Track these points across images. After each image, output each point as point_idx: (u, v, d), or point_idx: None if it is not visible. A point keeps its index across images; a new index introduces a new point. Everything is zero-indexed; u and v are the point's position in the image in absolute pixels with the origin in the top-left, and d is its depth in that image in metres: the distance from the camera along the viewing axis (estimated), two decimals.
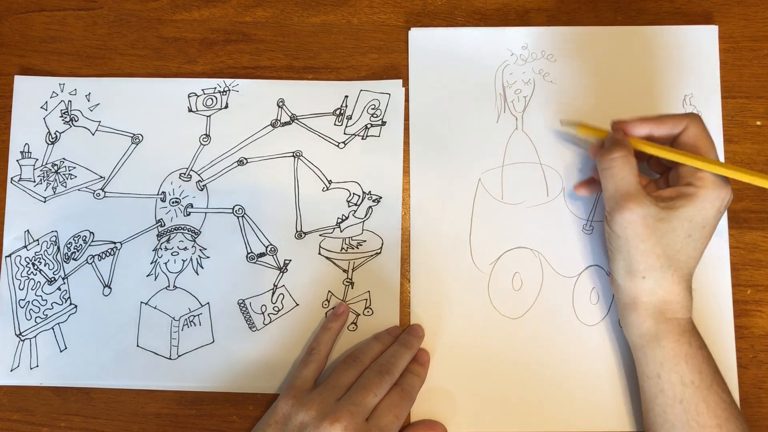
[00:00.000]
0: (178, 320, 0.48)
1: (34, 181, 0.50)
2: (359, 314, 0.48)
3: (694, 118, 0.41)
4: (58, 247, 0.49)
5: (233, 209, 0.49)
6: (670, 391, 0.40)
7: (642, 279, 0.40)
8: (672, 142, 0.42)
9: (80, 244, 0.49)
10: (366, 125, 0.50)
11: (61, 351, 0.48)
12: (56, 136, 0.50)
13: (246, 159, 0.49)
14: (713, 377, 0.40)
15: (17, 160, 0.50)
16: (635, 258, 0.40)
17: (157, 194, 0.49)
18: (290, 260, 0.48)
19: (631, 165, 0.40)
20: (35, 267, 0.49)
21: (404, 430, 0.44)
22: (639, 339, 0.41)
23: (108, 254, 0.49)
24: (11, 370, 0.48)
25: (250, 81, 0.50)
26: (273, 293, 0.48)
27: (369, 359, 0.44)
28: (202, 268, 0.48)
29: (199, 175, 0.49)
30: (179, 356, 0.47)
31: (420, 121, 0.49)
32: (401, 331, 0.47)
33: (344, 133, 0.50)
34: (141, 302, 0.48)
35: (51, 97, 0.51)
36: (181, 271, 0.48)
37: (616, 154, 0.41)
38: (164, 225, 0.49)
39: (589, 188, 0.47)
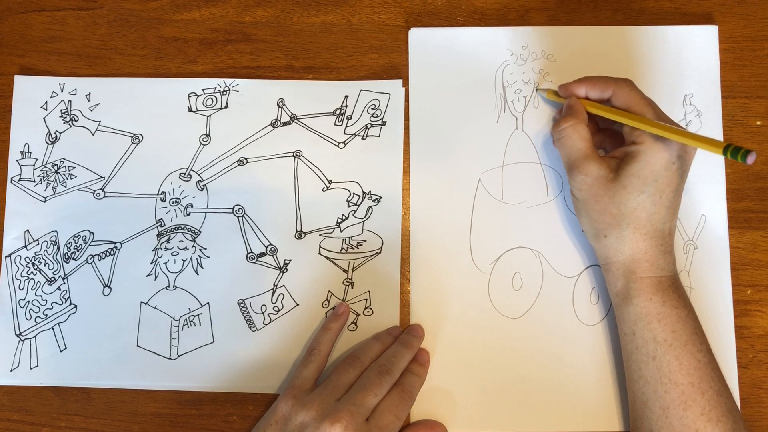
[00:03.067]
0: (178, 320, 0.48)
1: (34, 181, 0.50)
2: (359, 314, 0.48)
3: (622, 83, 0.43)
4: (58, 247, 0.49)
5: (233, 209, 0.49)
6: (643, 348, 0.41)
7: (604, 237, 0.42)
8: (609, 104, 0.44)
9: (80, 244, 0.49)
10: (366, 125, 0.50)
11: (61, 351, 0.48)
12: (56, 136, 0.50)
13: (246, 159, 0.49)
14: (689, 337, 0.40)
15: (17, 160, 0.50)
16: (593, 218, 0.42)
17: (157, 194, 0.49)
18: (290, 260, 0.48)
19: (580, 132, 0.43)
20: (35, 267, 0.49)
21: (404, 430, 0.44)
22: (615, 297, 0.43)
23: (108, 254, 0.49)
24: (11, 370, 0.48)
25: (250, 81, 0.50)
26: (273, 293, 0.48)
27: (369, 359, 0.44)
28: (202, 268, 0.48)
29: (199, 175, 0.49)
30: (179, 356, 0.47)
31: (420, 121, 0.49)
32: (401, 331, 0.47)
33: (344, 133, 0.50)
34: (141, 302, 0.48)
35: (51, 97, 0.51)
36: (181, 271, 0.48)
37: (564, 125, 0.43)
38: (164, 225, 0.49)
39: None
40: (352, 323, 0.47)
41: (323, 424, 0.39)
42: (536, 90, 0.49)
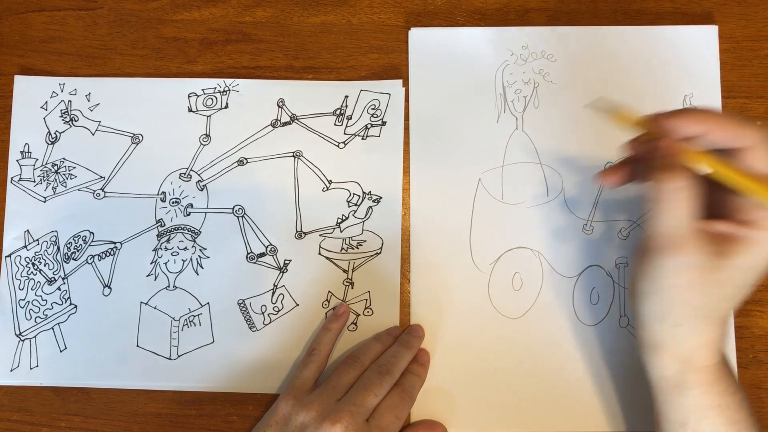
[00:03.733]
0: (178, 320, 0.48)
1: (34, 181, 0.50)
2: (359, 314, 0.48)
3: (763, 136, 0.32)
4: (58, 247, 0.49)
5: (233, 209, 0.49)
6: None
7: (674, 326, 0.35)
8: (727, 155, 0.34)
9: (80, 244, 0.49)
10: (366, 125, 0.50)
11: (61, 351, 0.48)
12: (56, 136, 0.50)
13: (246, 159, 0.49)
14: (746, 423, 0.36)
15: (17, 160, 0.50)
16: (670, 307, 0.35)
17: (157, 194, 0.49)
18: (290, 260, 0.48)
19: (691, 200, 0.33)
20: (35, 267, 0.49)
21: (404, 430, 0.44)
22: (663, 382, 0.37)
23: (108, 254, 0.49)
24: (11, 370, 0.48)
25: (250, 81, 0.50)
26: (273, 293, 0.48)
27: (369, 359, 0.44)
28: (202, 268, 0.48)
29: (199, 175, 0.49)
30: (179, 356, 0.47)
31: (420, 121, 0.49)
32: (401, 332, 0.47)
33: (344, 133, 0.50)
34: (141, 302, 0.48)
35: (51, 97, 0.51)
36: (181, 271, 0.48)
37: (677, 184, 0.33)
38: (164, 225, 0.49)
39: (620, 176, 0.38)
40: (352, 323, 0.47)
41: (323, 424, 0.39)
42: (592, 106, 0.40)
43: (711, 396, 0.35)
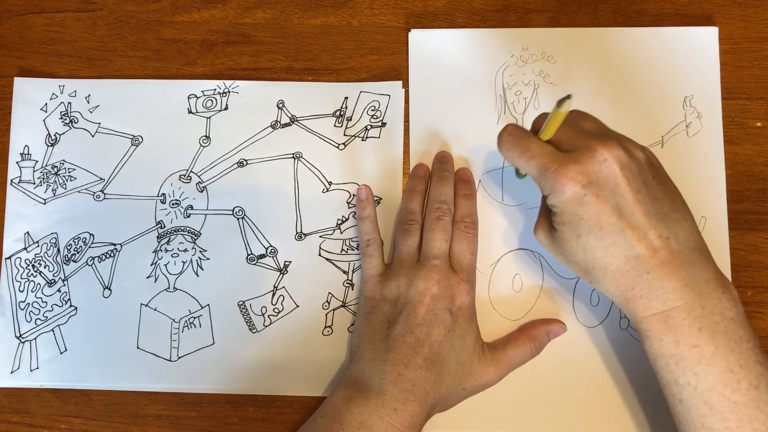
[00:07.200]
0: (178, 322, 0.48)
1: (34, 183, 0.50)
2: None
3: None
4: (58, 249, 0.49)
5: (233, 211, 0.49)
6: (668, 388, 0.37)
7: (594, 285, 0.39)
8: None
9: (80, 246, 0.49)
10: (366, 126, 0.50)
11: (61, 353, 0.48)
12: (56, 138, 0.50)
13: (246, 160, 0.49)
14: (718, 377, 0.35)
15: (17, 162, 0.50)
16: (573, 271, 0.40)
17: (157, 196, 0.49)
18: (290, 262, 0.48)
19: (529, 134, 0.39)
20: (35, 269, 0.49)
21: (523, 328, 0.46)
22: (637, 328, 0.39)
23: (108, 256, 0.49)
24: (11, 372, 0.48)
25: (250, 82, 0.50)
26: (273, 295, 0.48)
27: (419, 213, 0.46)
28: (202, 269, 0.48)
29: (199, 176, 0.49)
30: (179, 358, 0.47)
31: (420, 122, 0.49)
32: (427, 168, 0.48)
33: (344, 135, 0.50)
34: (141, 304, 0.48)
35: (51, 99, 0.51)
36: (181, 273, 0.48)
37: (508, 128, 0.39)
38: (164, 227, 0.49)
39: None
40: (352, 324, 0.47)
41: (414, 287, 0.41)
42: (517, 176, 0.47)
43: (664, 346, 0.36)
